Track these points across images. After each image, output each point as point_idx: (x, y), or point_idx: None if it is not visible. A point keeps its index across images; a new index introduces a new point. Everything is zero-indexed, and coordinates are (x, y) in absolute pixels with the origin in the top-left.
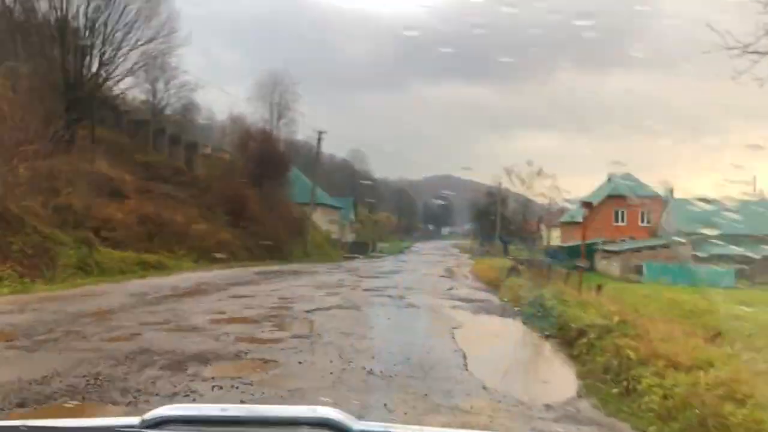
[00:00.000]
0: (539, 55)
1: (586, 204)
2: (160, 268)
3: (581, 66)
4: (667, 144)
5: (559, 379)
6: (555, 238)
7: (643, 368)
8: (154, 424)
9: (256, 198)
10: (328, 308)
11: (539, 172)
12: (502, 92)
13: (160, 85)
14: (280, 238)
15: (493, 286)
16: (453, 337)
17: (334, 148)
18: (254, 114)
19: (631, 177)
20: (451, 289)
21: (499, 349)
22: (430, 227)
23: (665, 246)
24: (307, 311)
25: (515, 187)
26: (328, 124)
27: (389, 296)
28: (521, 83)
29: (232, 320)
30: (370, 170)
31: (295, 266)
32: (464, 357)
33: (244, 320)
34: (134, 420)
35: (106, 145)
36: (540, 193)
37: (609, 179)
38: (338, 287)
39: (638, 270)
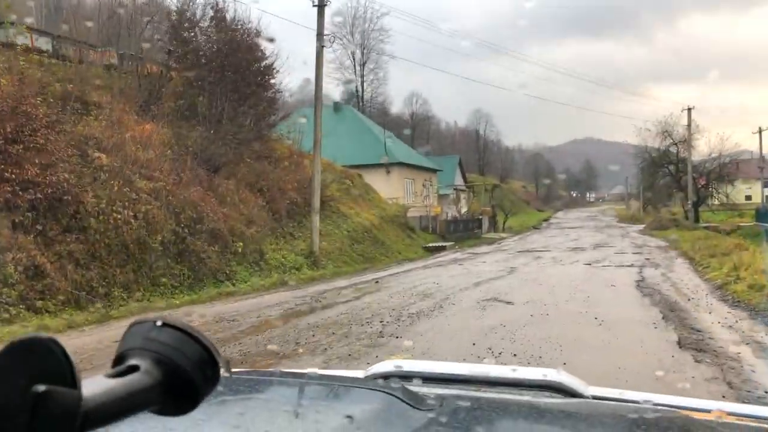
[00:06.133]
0: None
1: None
2: None
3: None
4: None
5: None
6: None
7: None
8: (377, 378)
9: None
10: None
11: None
12: (628, 45)
13: None
14: (221, 234)
15: None
16: None
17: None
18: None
19: None
20: None
21: None
22: (573, 194)
23: None
24: None
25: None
26: (447, 96)
27: None
28: (646, 32)
29: None
30: (499, 138)
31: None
32: None
33: None
34: (359, 373)
35: None
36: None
37: None
38: None
39: None
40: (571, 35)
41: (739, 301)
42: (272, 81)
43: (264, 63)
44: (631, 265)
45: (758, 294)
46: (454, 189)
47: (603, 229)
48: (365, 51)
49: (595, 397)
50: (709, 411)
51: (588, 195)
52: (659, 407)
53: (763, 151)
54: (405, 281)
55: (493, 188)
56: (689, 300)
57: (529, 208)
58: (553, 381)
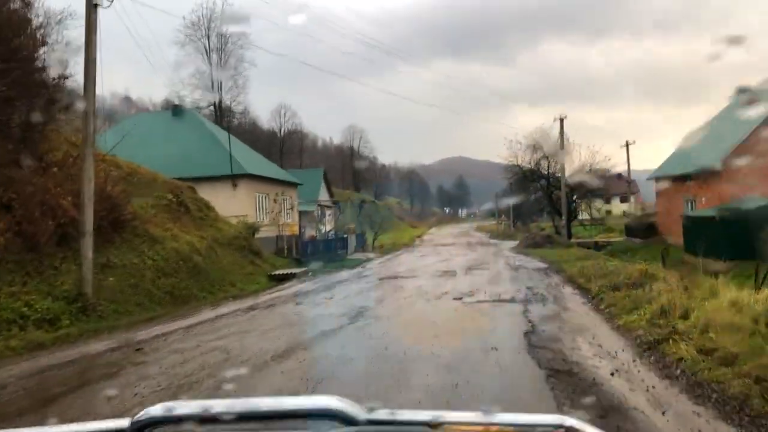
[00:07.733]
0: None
1: None
2: None
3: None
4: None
5: None
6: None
7: None
8: (144, 425)
9: None
10: None
11: None
12: (496, 69)
13: None
14: None
15: None
16: None
17: (331, 132)
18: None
19: None
20: None
21: None
22: (447, 210)
23: None
24: None
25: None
26: (320, 113)
27: None
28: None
29: None
30: (374, 155)
31: None
32: None
33: None
34: (124, 422)
35: None
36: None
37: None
38: None
39: None
40: (442, 57)
41: (700, 384)
42: (38, 58)
43: (24, 34)
44: (512, 300)
45: (729, 372)
46: (318, 205)
47: (475, 246)
48: (223, 56)
49: (370, 422)
50: (478, 424)
51: (460, 211)
52: (433, 427)
53: (631, 167)
54: (187, 344)
55: (362, 204)
56: (613, 374)
57: (404, 225)
58: (327, 408)
